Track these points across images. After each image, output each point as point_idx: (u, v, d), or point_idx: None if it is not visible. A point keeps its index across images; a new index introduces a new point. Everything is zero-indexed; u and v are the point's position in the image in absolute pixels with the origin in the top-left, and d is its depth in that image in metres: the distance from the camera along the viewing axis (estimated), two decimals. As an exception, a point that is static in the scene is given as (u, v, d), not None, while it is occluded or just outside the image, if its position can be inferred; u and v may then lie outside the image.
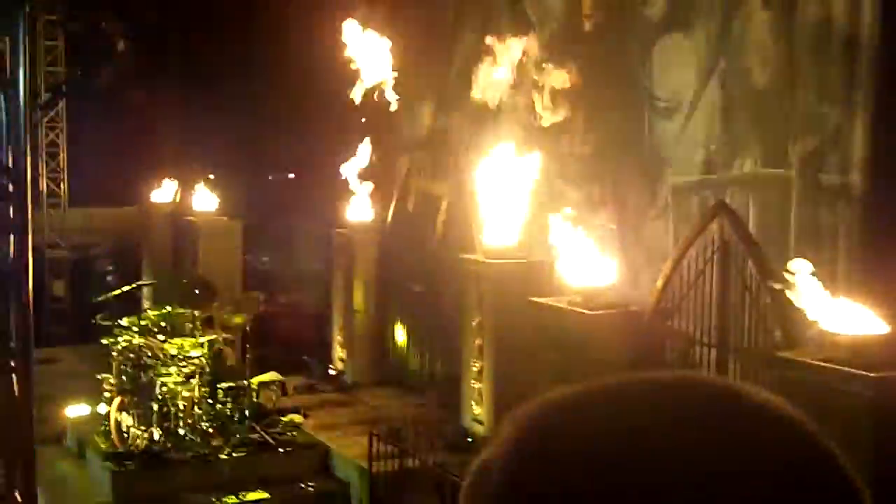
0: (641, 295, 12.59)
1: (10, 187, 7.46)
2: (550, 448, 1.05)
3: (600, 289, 12.26)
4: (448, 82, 17.32)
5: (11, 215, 7.47)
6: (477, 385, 14.73)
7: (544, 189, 14.51)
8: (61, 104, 22.95)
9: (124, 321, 15.85)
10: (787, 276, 9.43)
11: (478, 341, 14.67)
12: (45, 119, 22.71)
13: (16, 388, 7.81)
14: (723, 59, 12.10)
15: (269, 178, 25.44)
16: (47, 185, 23.30)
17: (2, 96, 7.57)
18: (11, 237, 7.55)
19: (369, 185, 18.77)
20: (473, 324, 14.76)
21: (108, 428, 14.67)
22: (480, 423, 14.64)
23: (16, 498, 7.96)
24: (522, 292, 13.22)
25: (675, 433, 1.03)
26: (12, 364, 7.83)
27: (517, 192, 14.53)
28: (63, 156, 23.50)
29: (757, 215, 11.64)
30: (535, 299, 12.68)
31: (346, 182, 18.81)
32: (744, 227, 11.57)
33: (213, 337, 15.35)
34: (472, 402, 14.80)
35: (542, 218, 13.96)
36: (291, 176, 25.21)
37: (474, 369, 14.76)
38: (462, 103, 16.43)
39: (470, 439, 14.50)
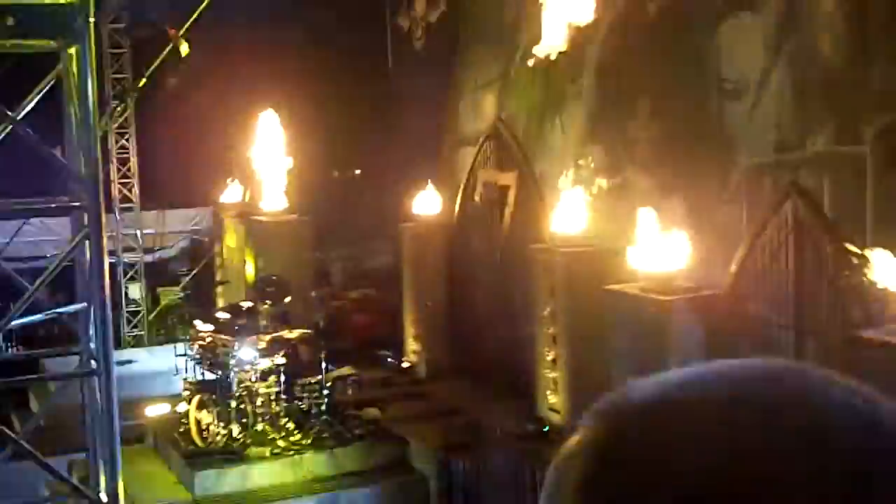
0: (716, 279, 12.42)
1: (84, 195, 7.58)
2: (631, 449, 1.02)
3: (673, 274, 12.12)
4: (511, 72, 17.25)
5: (87, 222, 7.60)
6: (551, 374, 14.67)
7: (613, 175, 14.39)
8: (129, 110, 23.30)
9: (200, 321, 16.08)
10: (864, 254, 9.23)
11: (551, 330, 14.62)
12: (114, 125, 23.09)
13: (98, 390, 7.95)
14: (791, 38, 11.86)
15: (335, 174, 25.57)
16: (119, 190, 23.69)
17: (72, 106, 7.70)
18: (87, 243, 7.68)
19: (437, 178, 18.78)
20: (546, 313, 14.71)
21: (187, 426, 14.90)
22: (556, 412, 14.59)
23: (101, 498, 8.11)
24: (594, 280, 13.14)
25: (764, 433, 0.98)
26: (94, 366, 7.97)
27: (584, 179, 14.45)
28: (133, 160, 23.87)
29: (831, 194, 11.40)
30: (609, 287, 12.58)
31: (412, 176, 18.85)
32: (818, 207, 11.34)
33: (289, 334, 15.50)
34: (547, 392, 14.76)
35: (611, 204, 13.86)
36: (357, 172, 25.31)
37: (548, 359, 14.71)
38: (526, 91, 16.37)
39: (545, 429, 14.46)
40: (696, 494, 0.96)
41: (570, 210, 14.50)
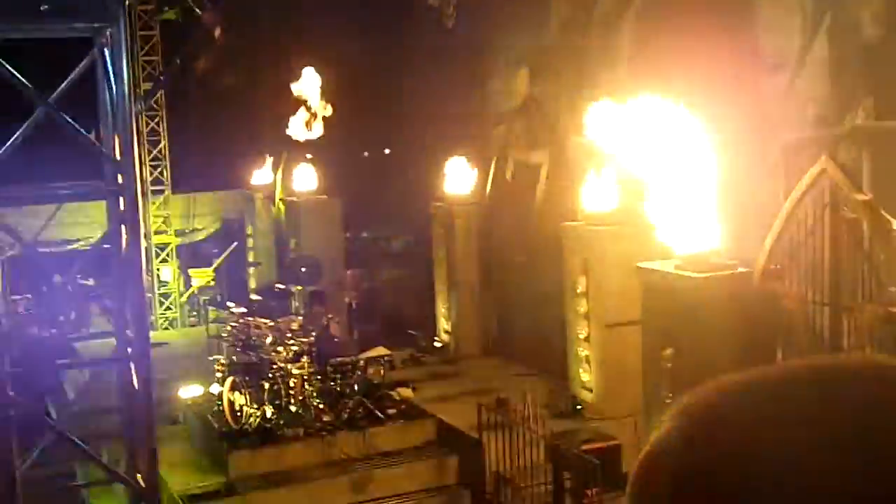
0: (751, 256, 12.30)
1: (120, 178, 7.59)
2: (722, 451, 1.00)
3: (707, 252, 11.99)
4: (543, 49, 17.12)
5: (122, 206, 7.61)
6: (583, 352, 14.63)
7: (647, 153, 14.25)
8: (160, 93, 23.36)
9: (231, 302, 16.15)
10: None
11: (583, 308, 14.56)
12: (146, 108, 23.16)
13: (134, 374, 7.97)
14: (830, 13, 11.68)
15: (365, 154, 25.55)
16: (150, 173, 23.80)
17: (106, 89, 7.70)
18: (123, 227, 7.69)
19: (467, 157, 18.72)
20: (578, 291, 14.64)
21: (221, 408, 14.96)
22: (589, 390, 14.55)
23: (138, 480, 8.14)
24: (627, 258, 13.06)
25: (862, 431, 0.96)
26: (129, 351, 7.99)
27: (617, 156, 14.31)
28: (164, 143, 23.96)
29: (870, 169, 11.25)
30: (642, 264, 12.49)
31: (443, 155, 18.80)
32: (854, 182, 11.19)
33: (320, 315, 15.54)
34: (580, 370, 14.71)
35: (644, 181, 13.72)
36: (387, 151, 25.28)
37: (580, 336, 14.66)
38: (558, 69, 16.24)
39: (579, 406, 14.42)
40: (792, 486, 0.94)
41: (602, 187, 14.41)
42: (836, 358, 1.08)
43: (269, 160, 23.40)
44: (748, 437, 0.98)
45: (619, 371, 13.71)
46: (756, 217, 12.70)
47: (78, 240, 21.40)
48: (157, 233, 23.81)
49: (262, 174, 23.64)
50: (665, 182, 12.32)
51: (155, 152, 23.90)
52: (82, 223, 21.72)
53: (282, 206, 22.21)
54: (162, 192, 24.08)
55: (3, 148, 7.30)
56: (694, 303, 11.63)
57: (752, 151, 12.84)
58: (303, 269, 16.41)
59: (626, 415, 12.99)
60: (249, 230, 24.26)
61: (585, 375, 14.58)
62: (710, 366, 11.46)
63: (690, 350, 11.65)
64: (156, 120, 23.77)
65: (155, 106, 23.54)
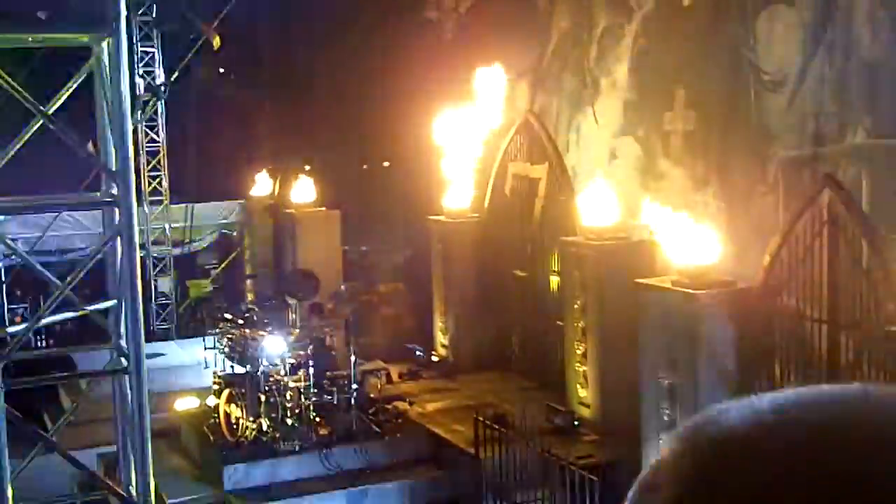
0: (750, 272, 12.27)
1: (116, 189, 7.55)
2: (721, 481, 0.97)
3: (705, 267, 11.98)
4: (543, 63, 17.12)
5: (118, 217, 7.58)
6: (581, 368, 14.58)
7: (646, 167, 14.26)
8: (159, 103, 23.36)
9: (229, 314, 16.10)
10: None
11: (581, 324, 14.52)
12: (144, 119, 23.14)
13: (129, 385, 7.93)
14: (830, 29, 11.67)
15: (364, 167, 25.52)
16: (148, 184, 23.78)
17: (104, 100, 7.67)
18: (119, 238, 7.65)
19: (465, 171, 18.69)
20: (576, 306, 14.61)
21: (217, 420, 14.92)
22: (586, 406, 14.50)
23: (131, 492, 8.09)
24: (625, 273, 13.04)
25: (866, 468, 0.93)
26: (124, 364, 7.94)
27: (617, 171, 14.33)
28: (163, 153, 23.94)
29: (870, 187, 11.22)
30: (639, 280, 12.47)
31: (441, 168, 18.77)
32: (852, 200, 11.17)
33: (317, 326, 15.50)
34: (578, 386, 14.67)
35: (644, 197, 13.72)
36: (386, 164, 25.26)
37: (578, 352, 14.62)
38: (558, 84, 16.23)
39: (576, 423, 14.37)
40: None
41: (601, 202, 14.39)
42: (840, 386, 1.05)
43: (268, 171, 23.39)
44: (749, 466, 0.95)
45: (617, 387, 13.66)
46: (755, 233, 12.68)
47: (76, 250, 21.36)
48: (154, 243, 23.77)
49: (260, 185, 23.62)
50: (663, 198, 12.31)
51: (154, 163, 23.88)
52: (80, 233, 21.68)
53: (279, 218, 22.19)
54: (160, 202, 24.05)
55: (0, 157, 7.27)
56: (689, 319, 11.61)
57: (752, 168, 12.82)
58: (300, 282, 16.36)
59: (623, 431, 12.94)
60: (247, 241, 24.23)
61: (583, 391, 14.54)
62: (707, 383, 11.44)
63: (689, 367, 11.62)
64: (155, 130, 23.75)
65: (154, 117, 23.52)
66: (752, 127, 12.82)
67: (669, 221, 12.35)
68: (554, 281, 16.31)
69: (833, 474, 0.92)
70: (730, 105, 13.17)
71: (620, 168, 14.41)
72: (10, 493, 7.53)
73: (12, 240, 7.84)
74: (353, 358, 15.24)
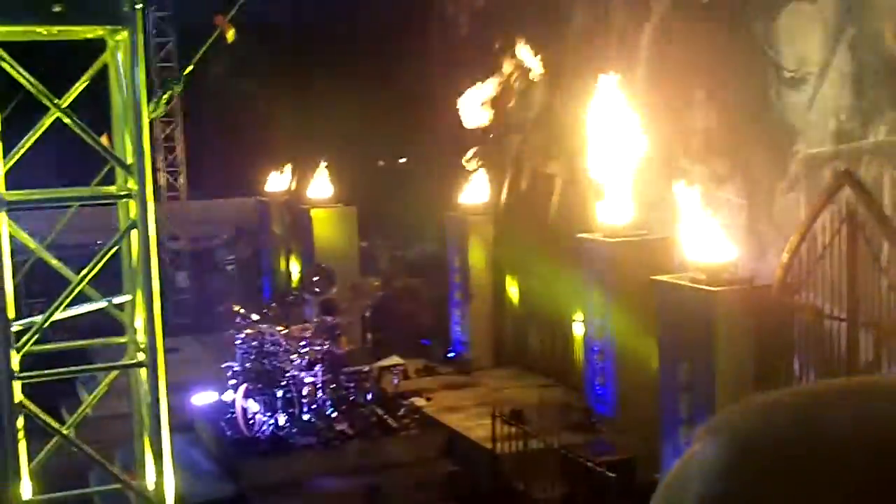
0: (770, 270, 12.19)
1: (132, 183, 7.55)
2: (756, 474, 0.95)
3: (724, 265, 11.90)
4: (561, 59, 17.03)
5: (134, 211, 7.57)
6: (599, 364, 14.53)
7: (666, 164, 14.18)
8: (175, 99, 23.39)
9: (245, 310, 16.11)
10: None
11: (598, 320, 14.46)
12: (161, 114, 23.18)
13: (146, 379, 7.92)
14: (851, 25, 11.55)
15: (380, 163, 25.52)
16: (166, 179, 23.84)
17: (119, 94, 7.67)
18: (135, 233, 7.64)
19: (482, 167, 18.66)
20: (593, 303, 14.55)
21: (234, 415, 14.93)
22: (604, 402, 14.44)
23: (148, 487, 8.09)
24: (643, 270, 12.97)
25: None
26: (141, 358, 7.94)
27: (635, 168, 14.24)
28: (180, 149, 23.99)
29: (891, 184, 11.11)
30: (656, 277, 12.39)
31: (458, 164, 18.74)
32: (871, 197, 11.06)
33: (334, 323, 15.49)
34: (595, 382, 14.61)
35: (663, 194, 13.65)
36: (403, 160, 25.25)
37: (596, 348, 14.57)
38: (575, 80, 16.15)
39: (593, 419, 14.32)
40: None
41: (619, 199, 14.32)
42: (866, 378, 1.02)
43: (285, 167, 23.41)
44: (779, 460, 0.94)
45: (635, 384, 13.61)
46: (777, 231, 12.58)
47: (92, 244, 21.41)
48: (171, 239, 23.82)
49: (277, 181, 23.65)
50: (681, 194, 12.24)
51: (171, 159, 23.93)
52: (97, 228, 21.72)
53: (295, 214, 22.20)
54: (177, 197, 24.11)
55: (15, 151, 7.27)
56: (709, 317, 11.53)
57: (773, 165, 12.71)
58: (315, 278, 16.36)
59: (640, 428, 12.88)
60: (264, 237, 24.26)
61: (600, 388, 14.48)
62: (726, 381, 11.36)
63: (706, 364, 11.55)
64: (172, 126, 23.80)
65: (171, 112, 23.55)
66: (773, 124, 12.71)
67: (689, 218, 12.29)
68: (571, 277, 16.24)
69: (854, 469, 0.91)
70: (751, 102, 13.05)
71: (640, 165, 14.31)
72: (29, 485, 7.55)
73: (28, 234, 7.84)
74: (369, 353, 15.22)
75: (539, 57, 17.42)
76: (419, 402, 15.77)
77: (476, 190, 18.69)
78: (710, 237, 12.02)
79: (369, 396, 15.14)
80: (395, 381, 15.72)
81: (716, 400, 11.19)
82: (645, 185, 14.41)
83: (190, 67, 10.27)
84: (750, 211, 13.05)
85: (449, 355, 18.73)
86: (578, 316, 15.71)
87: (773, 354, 11.61)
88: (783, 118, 12.58)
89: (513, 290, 18.65)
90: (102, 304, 8.06)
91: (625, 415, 13.90)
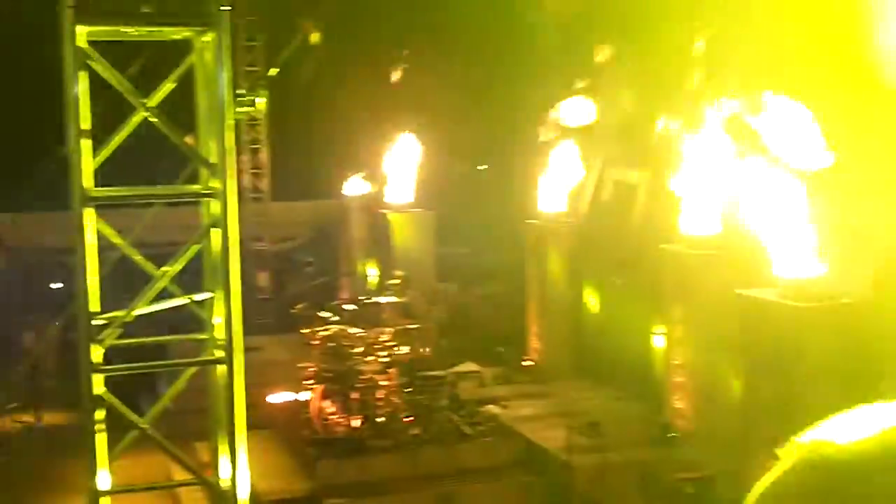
0: (859, 286, 11.83)
1: (216, 183, 7.61)
2: (843, 492, 0.88)
3: (812, 280, 11.60)
4: (649, 69, 16.78)
5: (217, 211, 7.64)
6: (678, 378, 14.29)
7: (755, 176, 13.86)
8: (261, 101, 23.67)
9: (323, 311, 16.19)
10: None
11: (680, 334, 14.23)
12: (247, 117, 23.47)
13: (225, 377, 7.98)
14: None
15: (461, 169, 25.49)
16: (250, 181, 24.12)
17: (204, 94, 7.74)
18: (218, 231, 7.71)
19: (564, 175, 18.50)
20: (675, 316, 14.32)
21: (310, 415, 15.01)
22: (683, 417, 14.20)
23: (227, 481, 8.14)
24: (727, 283, 12.70)
25: None
26: (220, 355, 8.00)
27: (722, 178, 13.97)
28: (265, 151, 24.27)
29: None
30: (741, 291, 12.13)
31: (540, 172, 18.62)
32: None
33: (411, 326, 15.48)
34: (674, 397, 14.37)
35: (747, 207, 13.35)
36: (483, 167, 25.20)
37: (676, 363, 14.33)
38: (664, 90, 15.90)
39: (672, 434, 14.09)
40: None
41: (704, 209, 14.07)
42: None
43: (366, 171, 23.51)
44: (866, 486, 0.88)
45: (715, 400, 13.34)
46: (866, 246, 12.22)
47: (177, 243, 21.76)
48: (253, 239, 24.08)
49: (358, 185, 23.78)
50: (773, 204, 11.92)
51: (255, 161, 24.21)
52: (182, 226, 22.07)
53: (375, 218, 22.28)
54: (261, 199, 24.37)
55: (104, 149, 7.38)
56: (796, 334, 11.24)
57: (871, 176, 12.35)
58: (392, 282, 16.39)
59: (721, 444, 12.61)
60: (343, 240, 24.40)
61: (680, 402, 14.23)
62: (811, 400, 11.06)
63: (790, 383, 11.26)
64: (257, 129, 24.08)
65: (257, 115, 23.81)
66: (873, 132, 12.30)
67: (777, 231, 12.00)
68: (652, 288, 16.00)
69: None
70: (849, 110, 12.66)
71: (724, 175, 14.03)
72: (109, 477, 7.64)
73: (116, 231, 7.96)
74: (445, 359, 15.18)
75: (627, 60, 17.20)
76: (494, 409, 15.68)
77: (557, 198, 18.54)
78: (798, 251, 11.73)
79: (444, 402, 15.09)
80: (471, 387, 15.65)
81: (801, 419, 10.90)
82: (730, 196, 14.12)
83: (275, 70, 10.33)
84: (842, 222, 12.67)
85: (525, 363, 18.59)
86: (658, 328, 15.47)
87: (862, 375, 11.27)
88: (884, 126, 12.15)
89: (591, 299, 18.46)
90: (184, 300, 8.14)
91: (704, 430, 13.64)
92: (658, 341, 15.58)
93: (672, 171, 14.53)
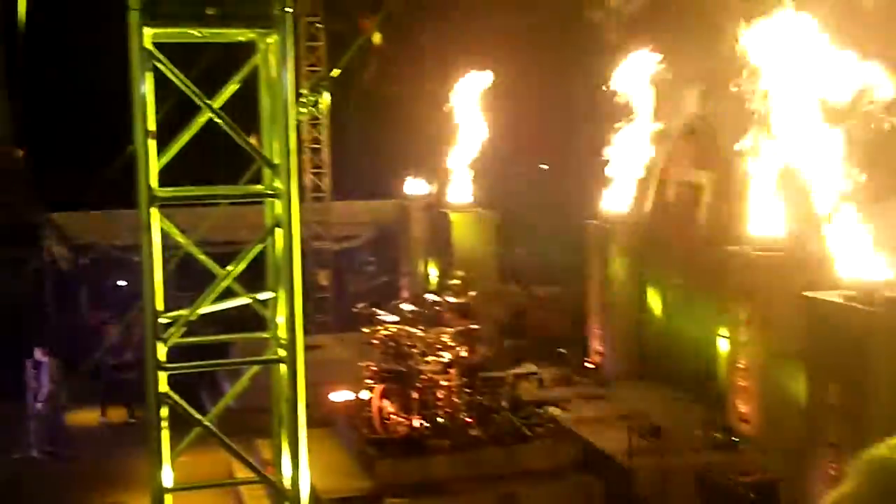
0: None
1: (278, 183, 7.64)
2: None
3: (881, 283, 11.34)
4: (716, 66, 16.54)
5: (280, 210, 7.67)
6: (742, 383, 14.07)
7: (823, 176, 13.61)
8: (323, 101, 23.75)
9: (384, 311, 16.23)
10: None
11: (744, 337, 14.01)
12: (308, 117, 23.60)
13: (286, 375, 8.01)
14: None
15: (522, 169, 25.38)
16: (311, 180, 24.27)
17: (267, 95, 7.77)
18: (280, 231, 7.74)
19: (626, 175, 18.33)
20: (740, 319, 14.11)
21: (370, 414, 15.05)
22: (746, 422, 13.98)
23: (287, 480, 8.17)
24: (794, 286, 12.48)
25: None
26: (282, 354, 8.03)
27: (790, 179, 13.72)
28: (326, 151, 24.40)
29: None
30: (809, 294, 11.91)
31: (601, 172, 18.46)
32: None
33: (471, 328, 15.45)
34: (738, 401, 14.16)
35: (817, 207, 13.10)
36: (544, 167, 25.07)
37: (740, 366, 14.12)
38: (729, 89, 15.67)
39: (735, 439, 13.89)
40: None
41: (771, 211, 13.83)
42: None
43: (426, 171, 23.54)
44: None
45: (779, 404, 13.12)
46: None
47: (241, 242, 21.93)
48: (315, 238, 24.23)
49: (418, 184, 23.81)
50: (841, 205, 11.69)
51: (317, 160, 24.37)
52: (245, 226, 22.24)
53: (435, 217, 22.29)
54: (322, 198, 24.51)
55: (168, 149, 7.45)
56: (865, 338, 11.00)
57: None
58: (453, 282, 16.38)
59: (785, 449, 12.41)
60: (403, 240, 24.45)
61: (743, 406, 14.02)
62: (880, 406, 10.83)
63: (858, 387, 11.03)
64: (318, 128, 24.22)
65: (318, 114, 23.96)
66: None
67: (845, 233, 11.76)
68: (717, 291, 15.78)
69: None
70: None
71: (794, 177, 13.78)
72: (170, 472, 7.70)
73: (180, 230, 8.03)
74: (505, 360, 15.13)
75: (691, 61, 16.99)
76: (555, 411, 15.59)
77: (618, 199, 18.38)
78: (866, 253, 11.49)
79: (504, 403, 15.04)
80: (531, 388, 15.58)
81: (868, 425, 10.67)
82: (799, 197, 13.87)
83: (337, 71, 10.36)
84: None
85: (586, 365, 18.47)
86: (723, 331, 15.26)
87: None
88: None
89: (654, 301, 18.27)
90: (247, 299, 8.19)
91: (769, 435, 13.42)
92: (722, 344, 15.37)
93: (738, 171, 14.31)
